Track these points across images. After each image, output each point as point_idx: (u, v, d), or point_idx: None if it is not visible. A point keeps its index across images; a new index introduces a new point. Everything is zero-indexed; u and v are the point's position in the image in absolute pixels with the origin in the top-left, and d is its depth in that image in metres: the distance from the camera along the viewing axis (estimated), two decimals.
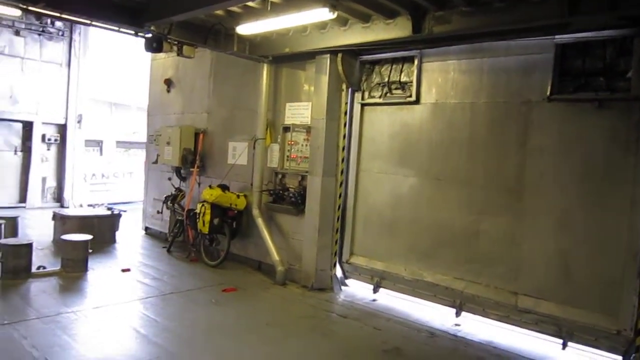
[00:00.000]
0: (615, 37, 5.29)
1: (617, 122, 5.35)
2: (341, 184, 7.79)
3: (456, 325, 6.39)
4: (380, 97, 7.51)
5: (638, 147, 5.19)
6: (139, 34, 7.21)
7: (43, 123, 14.36)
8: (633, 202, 5.22)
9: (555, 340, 5.70)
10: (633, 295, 5.18)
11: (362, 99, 7.71)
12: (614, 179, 5.39)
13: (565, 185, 5.72)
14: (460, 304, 6.48)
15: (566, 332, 5.60)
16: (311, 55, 7.63)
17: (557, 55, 5.64)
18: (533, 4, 5.18)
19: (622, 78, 5.28)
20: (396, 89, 7.36)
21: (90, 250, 7.93)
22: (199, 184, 9.76)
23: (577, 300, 5.60)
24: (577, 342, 5.57)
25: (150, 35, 7.07)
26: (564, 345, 5.59)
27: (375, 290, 7.40)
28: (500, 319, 6.16)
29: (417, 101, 7.03)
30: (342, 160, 7.78)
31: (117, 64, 16.05)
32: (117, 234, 10.23)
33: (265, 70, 8.31)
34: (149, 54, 10.06)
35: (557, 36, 5.63)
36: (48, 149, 14.57)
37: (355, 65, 7.60)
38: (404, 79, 7.23)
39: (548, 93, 5.72)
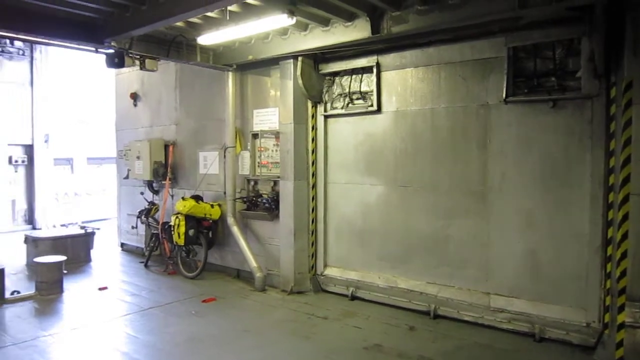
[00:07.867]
0: (563, 39, 5.40)
1: (572, 120, 5.47)
2: (313, 186, 7.83)
3: (435, 317, 6.47)
4: (342, 107, 7.53)
5: (593, 143, 5.33)
6: (100, 50, 7.09)
7: (9, 144, 14.10)
8: (592, 197, 5.36)
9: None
10: (598, 287, 5.32)
11: (325, 110, 7.71)
12: (572, 176, 5.50)
13: (527, 184, 5.83)
14: (435, 308, 6.52)
15: (539, 328, 5.68)
16: (275, 61, 7.65)
17: (509, 57, 5.74)
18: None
19: (573, 77, 5.40)
20: (357, 99, 7.39)
21: (65, 271, 7.89)
22: (172, 196, 9.73)
23: (547, 297, 5.72)
24: (550, 336, 5.63)
25: (111, 50, 6.97)
26: (538, 341, 5.64)
27: (351, 299, 7.36)
28: (475, 319, 6.20)
29: (378, 110, 7.08)
30: (312, 163, 7.81)
31: (83, 80, 15.76)
32: (92, 252, 10.15)
33: (230, 78, 8.32)
34: (113, 69, 9.91)
35: (508, 38, 5.73)
36: (16, 171, 14.33)
37: (315, 78, 7.58)
38: (364, 88, 7.27)
39: (504, 95, 5.82)
